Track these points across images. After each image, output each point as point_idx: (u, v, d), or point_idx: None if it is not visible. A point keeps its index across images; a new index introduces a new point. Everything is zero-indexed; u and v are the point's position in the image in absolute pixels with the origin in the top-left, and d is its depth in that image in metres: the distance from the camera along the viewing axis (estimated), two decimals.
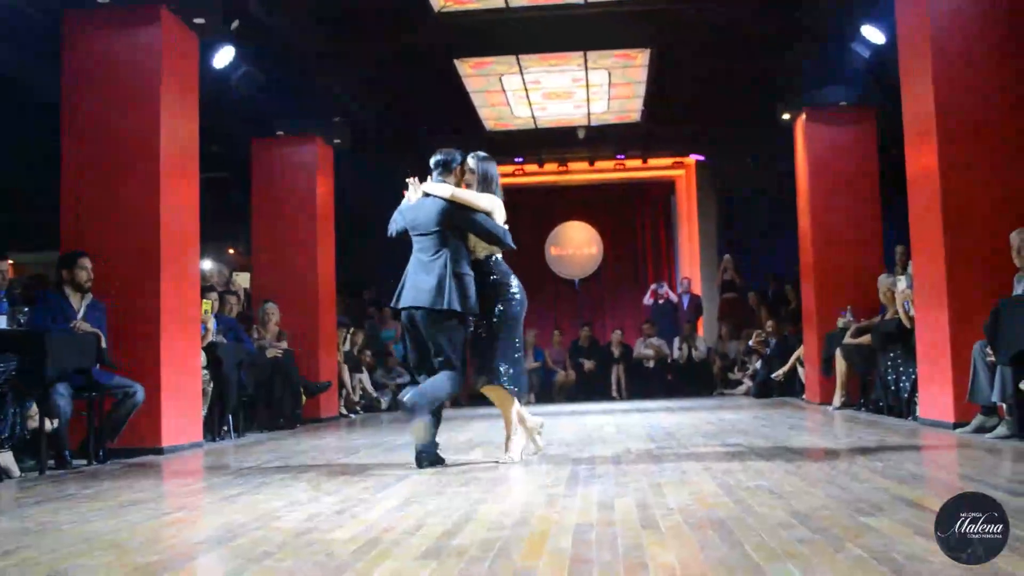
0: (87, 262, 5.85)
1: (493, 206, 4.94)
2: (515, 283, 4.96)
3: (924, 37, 6.23)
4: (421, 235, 4.90)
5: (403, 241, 5.20)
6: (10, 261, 6.08)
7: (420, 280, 4.82)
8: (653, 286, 14.04)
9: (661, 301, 13.79)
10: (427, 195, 4.93)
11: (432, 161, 5.05)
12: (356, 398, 10.75)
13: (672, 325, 13.47)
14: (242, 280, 10.46)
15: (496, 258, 4.99)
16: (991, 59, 6.10)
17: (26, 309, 5.54)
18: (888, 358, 7.20)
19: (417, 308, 4.81)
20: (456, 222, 4.86)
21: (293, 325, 9.17)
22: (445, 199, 4.87)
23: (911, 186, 6.52)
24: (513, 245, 4.99)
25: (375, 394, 11.23)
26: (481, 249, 4.96)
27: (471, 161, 5.02)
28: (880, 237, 9.21)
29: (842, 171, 9.22)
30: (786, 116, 9.79)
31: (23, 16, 6.61)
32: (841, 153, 9.27)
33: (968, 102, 6.08)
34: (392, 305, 5.01)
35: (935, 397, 6.17)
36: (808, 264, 9.45)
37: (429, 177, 5.04)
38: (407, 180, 5.12)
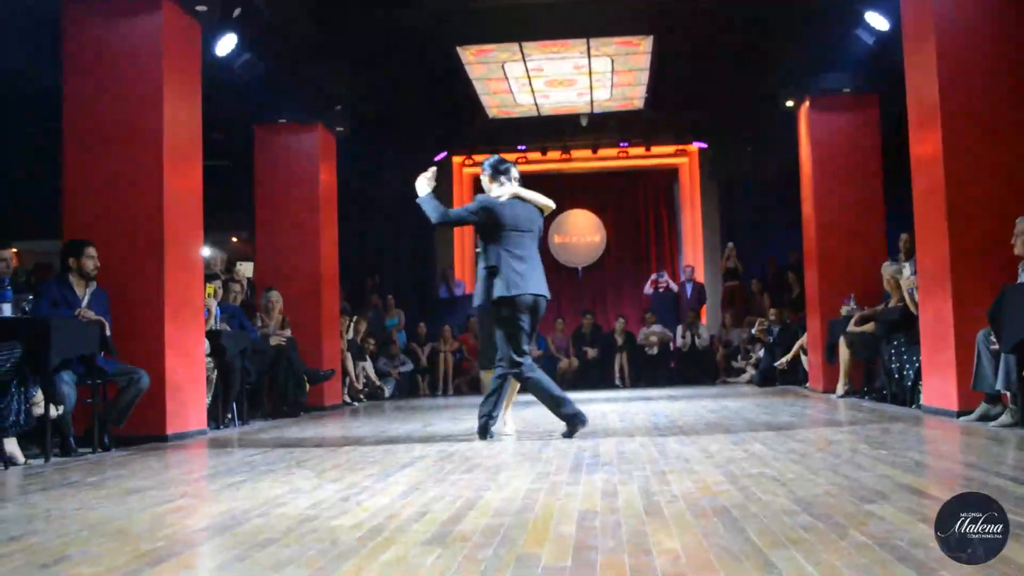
0: (93, 251, 5.86)
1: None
2: None
3: (928, 23, 6.20)
4: (522, 232, 5.43)
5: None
6: (14, 249, 6.07)
7: (535, 271, 5.40)
8: (654, 275, 14.05)
9: (661, 290, 13.79)
10: (518, 198, 5.47)
11: (501, 168, 5.55)
12: (359, 386, 10.78)
13: (673, 314, 13.47)
14: (246, 269, 10.47)
15: None
16: (995, 45, 6.06)
17: (30, 297, 5.55)
18: (892, 346, 7.19)
19: (542, 296, 5.42)
20: (541, 223, 5.57)
21: (296, 313, 9.19)
22: (536, 203, 5.51)
23: (915, 173, 6.50)
24: None
25: (378, 382, 11.25)
26: None
27: (515, 170, 5.63)
28: (883, 224, 9.19)
29: (845, 158, 9.20)
30: (789, 103, 9.77)
31: (23, 5, 6.59)
32: (844, 140, 9.25)
33: (972, 88, 6.06)
34: (510, 293, 5.31)
35: (939, 385, 6.16)
36: (811, 251, 9.43)
37: (498, 181, 5.53)
38: (425, 174, 5.53)
